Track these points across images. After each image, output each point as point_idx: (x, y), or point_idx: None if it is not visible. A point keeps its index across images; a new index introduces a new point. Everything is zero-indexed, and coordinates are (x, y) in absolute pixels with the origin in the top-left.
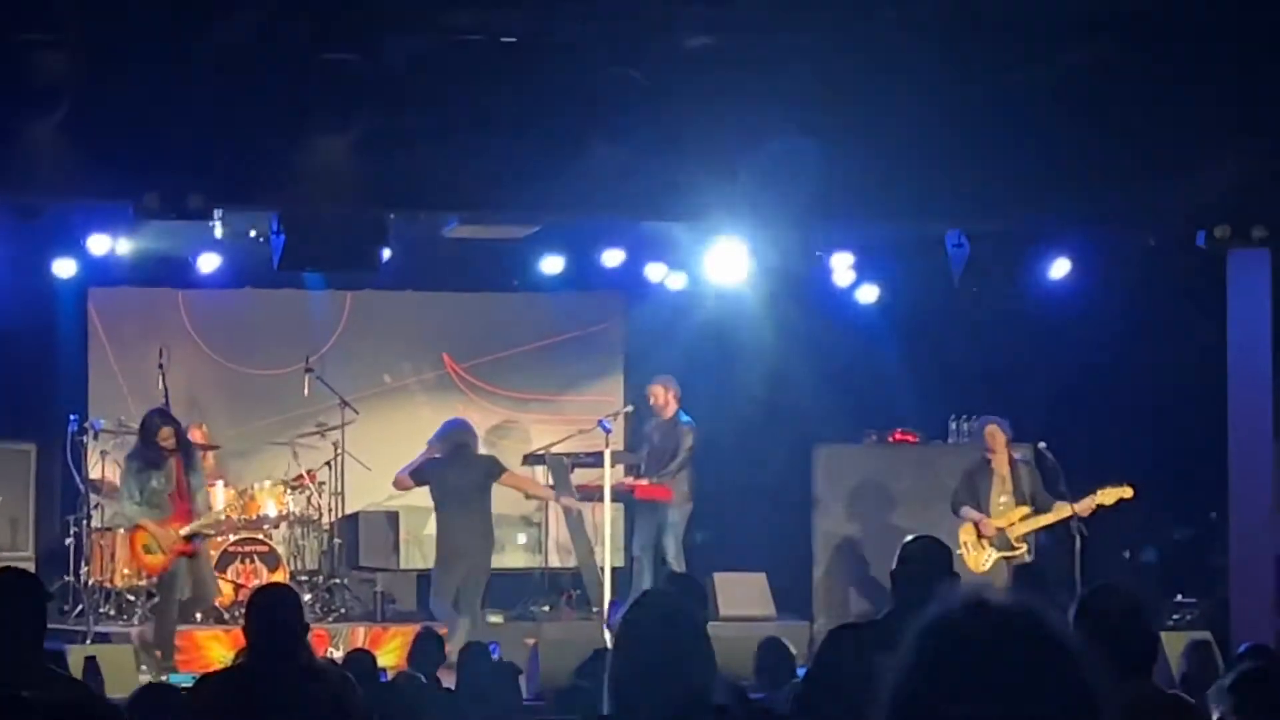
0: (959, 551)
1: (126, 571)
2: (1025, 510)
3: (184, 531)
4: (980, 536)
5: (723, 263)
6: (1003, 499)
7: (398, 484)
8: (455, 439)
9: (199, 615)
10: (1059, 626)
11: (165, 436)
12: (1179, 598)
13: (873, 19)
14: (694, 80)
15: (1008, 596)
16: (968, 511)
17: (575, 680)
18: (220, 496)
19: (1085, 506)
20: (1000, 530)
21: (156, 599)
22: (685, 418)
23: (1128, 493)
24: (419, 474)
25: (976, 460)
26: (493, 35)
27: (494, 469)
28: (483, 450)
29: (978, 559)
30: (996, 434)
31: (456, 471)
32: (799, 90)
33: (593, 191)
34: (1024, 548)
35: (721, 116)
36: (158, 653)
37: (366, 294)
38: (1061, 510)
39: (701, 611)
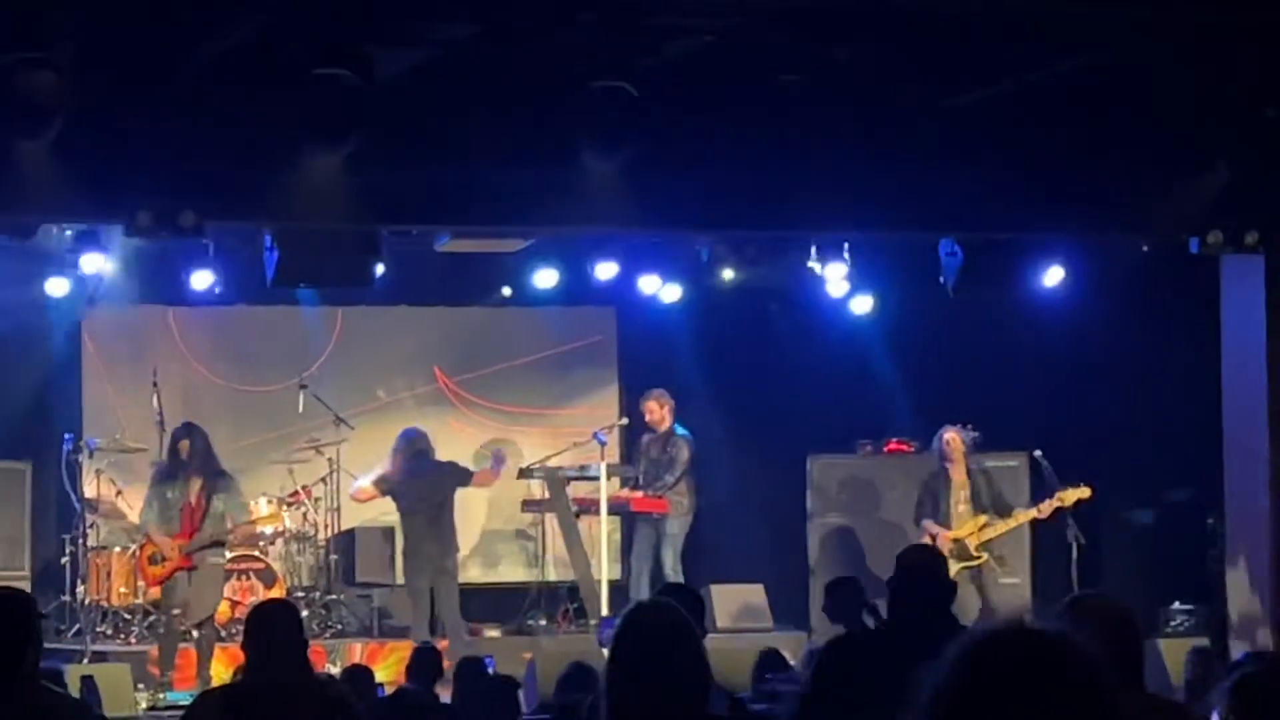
0: None
1: (123, 590)
2: (983, 519)
3: (186, 548)
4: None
5: (714, 274)
6: (960, 507)
7: (357, 495)
8: (415, 447)
9: (194, 632)
10: (1092, 654)
11: (183, 449)
12: (1176, 605)
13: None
14: (683, 90)
15: (1043, 623)
16: (927, 524)
17: (558, 695)
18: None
19: (1045, 509)
20: (958, 541)
21: (154, 616)
22: (681, 430)
23: (1085, 493)
24: (382, 483)
25: (935, 469)
26: (483, 50)
27: (461, 475)
28: (478, 463)
29: None
30: (955, 442)
31: (419, 480)
32: (790, 98)
33: (584, 204)
34: (984, 557)
35: (712, 126)
36: (156, 671)
37: (358, 309)
38: (1020, 516)
39: (698, 621)
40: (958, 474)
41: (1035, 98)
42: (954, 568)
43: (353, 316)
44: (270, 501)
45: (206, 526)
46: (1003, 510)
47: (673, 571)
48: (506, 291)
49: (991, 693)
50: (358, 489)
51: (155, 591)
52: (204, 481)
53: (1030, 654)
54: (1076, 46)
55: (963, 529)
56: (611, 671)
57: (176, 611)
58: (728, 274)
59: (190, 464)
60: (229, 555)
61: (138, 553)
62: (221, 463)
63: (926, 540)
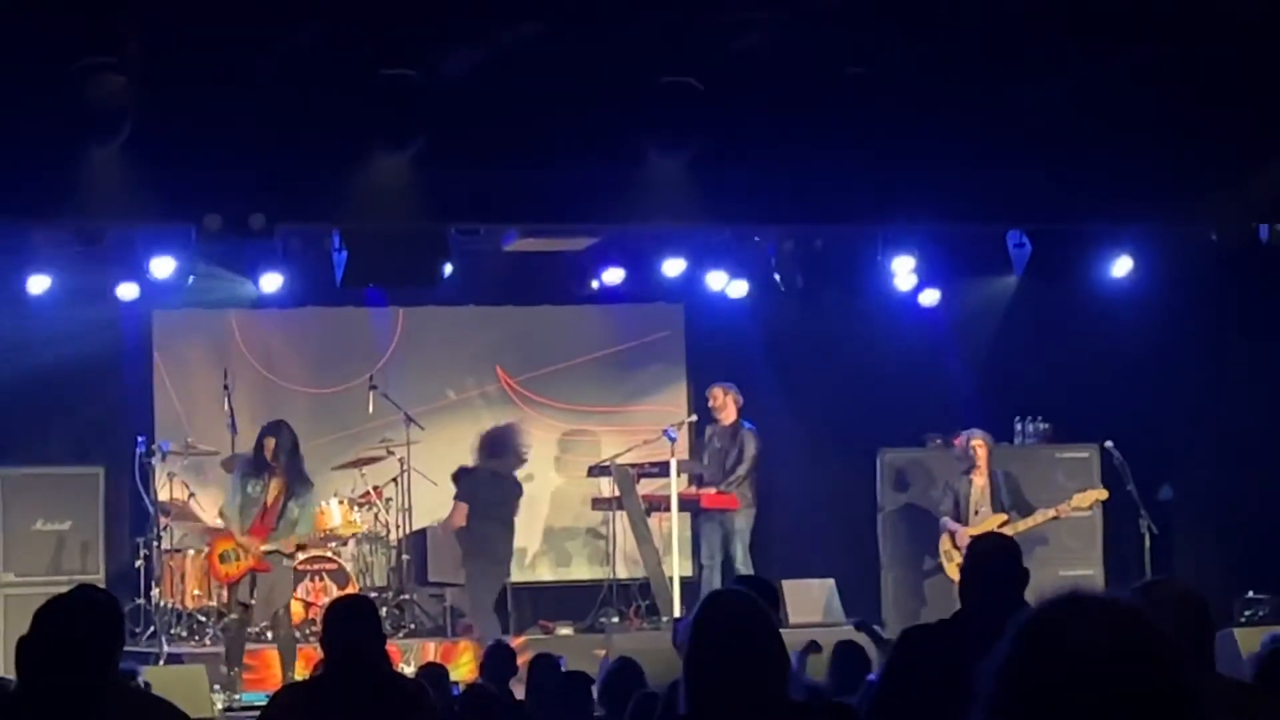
0: (940, 560)
1: (197, 592)
2: (1002, 518)
3: (264, 548)
4: (954, 546)
5: (783, 269)
6: (981, 509)
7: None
8: (494, 449)
9: (269, 634)
10: (1157, 622)
11: (268, 446)
12: (1250, 594)
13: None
14: (749, 85)
15: (1103, 592)
16: (946, 522)
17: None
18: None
19: (1063, 510)
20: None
21: (228, 616)
22: (747, 424)
23: (1103, 494)
24: (462, 480)
25: (959, 471)
26: (549, 48)
27: (520, 487)
28: (547, 462)
29: (955, 568)
30: (982, 449)
31: (493, 482)
32: (856, 92)
33: (651, 200)
34: None
35: (778, 120)
36: (225, 669)
37: (419, 310)
38: (1039, 516)
39: (773, 611)
40: (979, 477)
41: (1102, 88)
42: None
43: (415, 316)
44: (342, 503)
45: (282, 529)
46: (1024, 510)
47: (743, 566)
48: (595, 285)
49: (1047, 670)
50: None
51: (223, 591)
52: (285, 483)
53: (1085, 626)
54: (1143, 36)
55: (981, 528)
56: (691, 660)
57: (235, 615)
58: (796, 267)
59: (275, 463)
60: (301, 556)
61: (208, 550)
62: (305, 466)
63: (946, 537)
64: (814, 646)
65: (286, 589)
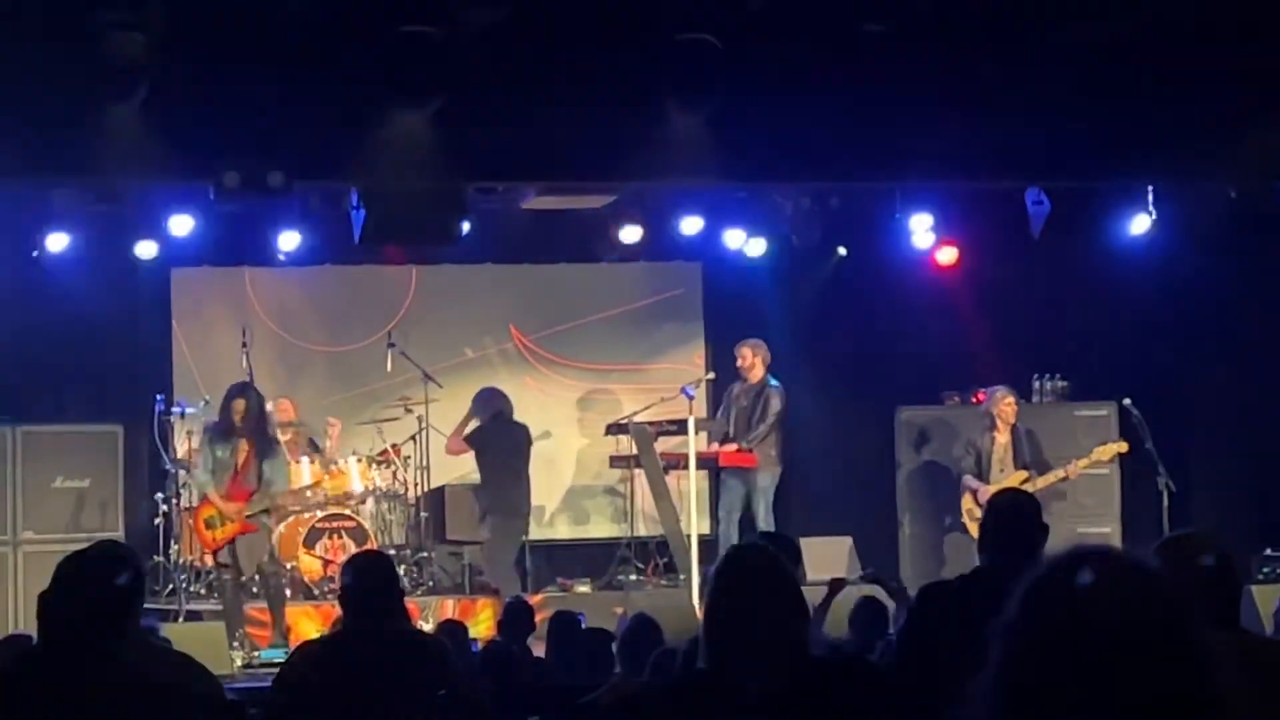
0: (962, 519)
1: None
2: (1023, 475)
3: (247, 512)
4: (976, 504)
5: (801, 225)
6: (1003, 467)
7: (451, 449)
8: (495, 405)
9: (255, 590)
10: (1165, 577)
11: (237, 409)
12: (1268, 551)
13: None
14: (768, 41)
15: (1114, 549)
16: (968, 480)
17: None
18: (306, 472)
19: (1082, 465)
20: None
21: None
22: (774, 382)
23: (1123, 447)
24: (473, 439)
25: (981, 427)
26: (567, 5)
27: (529, 437)
28: (566, 420)
29: (976, 526)
30: (1008, 407)
31: (502, 436)
32: (873, 48)
33: (669, 158)
34: None
35: (796, 77)
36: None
37: (435, 268)
38: (1058, 473)
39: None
40: (1002, 435)
41: (1118, 44)
42: None
43: (431, 275)
44: (360, 460)
45: (261, 489)
46: (1042, 468)
47: (764, 524)
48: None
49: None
50: (450, 443)
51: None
52: (254, 446)
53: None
54: None
55: (1004, 485)
56: (711, 614)
57: (227, 577)
58: (813, 224)
59: (243, 425)
60: (320, 514)
61: (192, 517)
62: (272, 428)
63: (968, 496)
64: (839, 584)
65: (264, 541)
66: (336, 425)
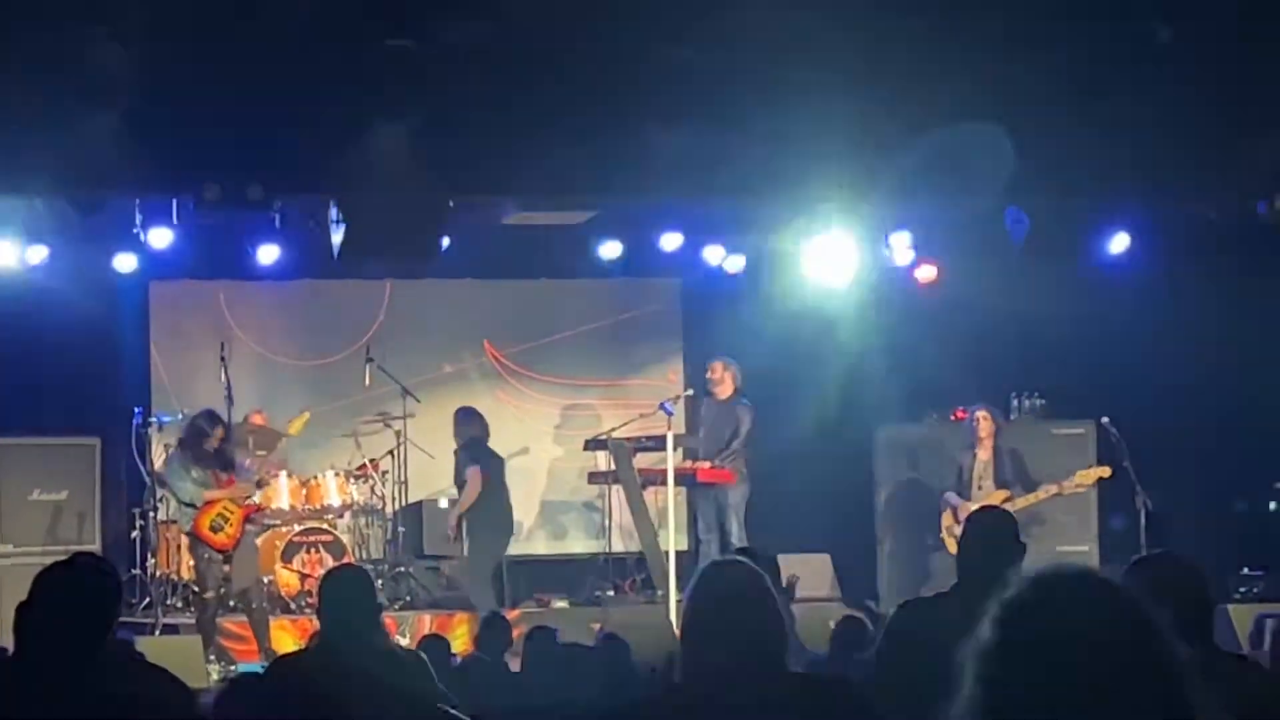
0: (942, 536)
1: (193, 563)
2: (1004, 494)
3: (242, 497)
4: (956, 522)
5: (782, 242)
6: (984, 484)
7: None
8: (479, 425)
9: (234, 604)
10: (1135, 596)
11: (216, 435)
12: (1245, 570)
13: None
14: (746, 56)
15: (1083, 568)
16: (949, 497)
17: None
18: (285, 488)
19: (1066, 487)
20: None
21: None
22: (744, 400)
23: (1105, 472)
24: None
25: (962, 445)
26: (547, 21)
27: (502, 458)
28: (544, 435)
29: (955, 544)
30: (985, 422)
31: (491, 455)
32: (853, 65)
33: (648, 174)
34: None
35: (776, 91)
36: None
37: (412, 283)
38: (1042, 493)
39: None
40: (984, 452)
41: (1100, 65)
42: None
43: (407, 290)
44: (338, 475)
45: (241, 475)
46: (1028, 486)
47: (739, 541)
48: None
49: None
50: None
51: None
52: (221, 460)
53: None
54: (1139, 14)
55: (984, 503)
56: (688, 629)
57: (210, 594)
58: (791, 243)
59: (219, 454)
60: (298, 529)
61: (194, 530)
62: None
63: (949, 512)
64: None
65: (253, 563)
66: (306, 414)
